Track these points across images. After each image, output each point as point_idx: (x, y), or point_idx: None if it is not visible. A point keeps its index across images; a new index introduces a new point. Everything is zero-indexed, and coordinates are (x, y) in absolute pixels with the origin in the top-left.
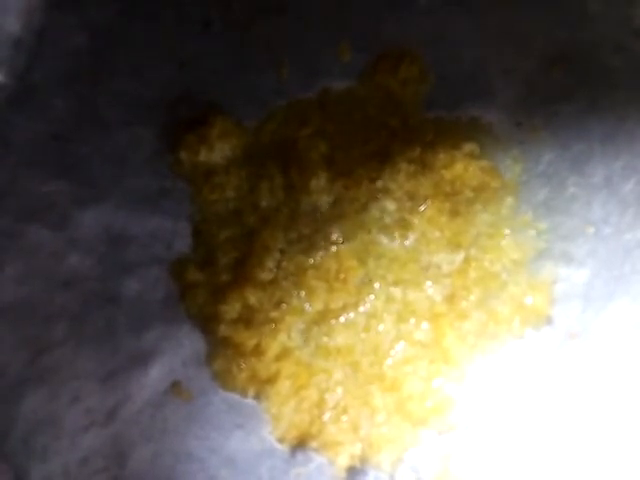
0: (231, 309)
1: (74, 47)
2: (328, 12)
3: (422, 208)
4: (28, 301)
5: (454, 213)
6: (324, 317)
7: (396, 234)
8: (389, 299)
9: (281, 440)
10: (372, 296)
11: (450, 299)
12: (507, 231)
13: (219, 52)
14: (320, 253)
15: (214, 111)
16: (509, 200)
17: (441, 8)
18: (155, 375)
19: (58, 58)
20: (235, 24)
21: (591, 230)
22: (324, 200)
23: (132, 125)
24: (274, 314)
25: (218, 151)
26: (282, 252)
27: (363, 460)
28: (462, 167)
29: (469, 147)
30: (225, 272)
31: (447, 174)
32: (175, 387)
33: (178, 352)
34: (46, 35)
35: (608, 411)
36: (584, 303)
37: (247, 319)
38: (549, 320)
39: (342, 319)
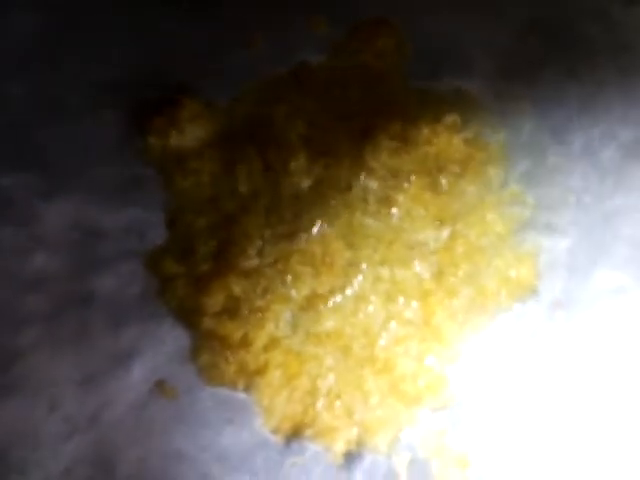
0: (214, 301)
1: (27, 29)
2: None
3: (406, 185)
4: None
5: (438, 188)
6: (312, 303)
7: (381, 213)
8: (377, 280)
9: (275, 432)
10: (359, 277)
11: (438, 276)
12: (490, 204)
13: (186, 29)
14: (304, 237)
15: (183, 92)
16: (493, 172)
17: None
18: (137, 375)
19: (11, 41)
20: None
21: (572, 199)
22: (305, 182)
23: (96, 110)
24: (260, 303)
25: (189, 134)
26: (264, 238)
27: (359, 444)
28: (445, 140)
29: (451, 119)
30: (205, 262)
31: (430, 149)
32: (159, 386)
33: (160, 349)
34: None
35: (598, 377)
36: (568, 272)
37: (232, 310)
38: (535, 291)
39: (330, 303)
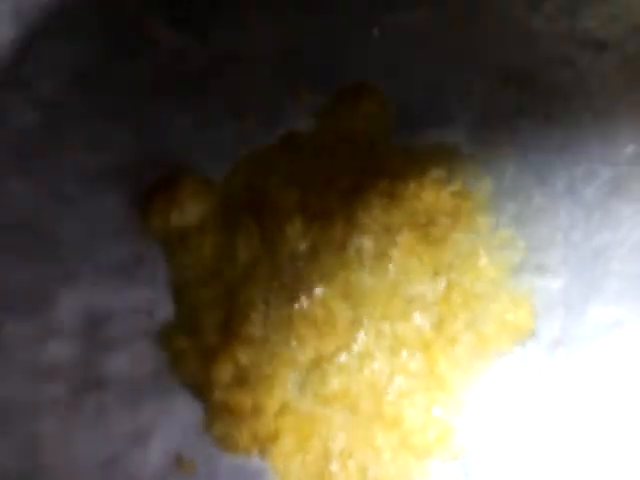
0: (223, 372)
1: (24, 125)
2: (281, 59)
3: (399, 239)
4: (11, 399)
5: (430, 240)
6: (317, 364)
7: (377, 269)
8: (379, 335)
9: None
10: (362, 335)
11: (438, 326)
12: (482, 250)
13: (177, 110)
14: (305, 299)
15: (181, 171)
16: (481, 219)
17: (393, 38)
18: (156, 452)
19: (10, 137)
20: (188, 80)
21: (560, 238)
22: (301, 245)
23: (97, 196)
24: (267, 370)
25: (189, 211)
26: (267, 304)
27: None
28: (432, 194)
29: (436, 173)
30: (212, 334)
31: (419, 203)
32: (178, 460)
33: (176, 423)
34: None
35: (606, 411)
36: (564, 311)
37: (241, 379)
38: (534, 332)
39: (335, 363)
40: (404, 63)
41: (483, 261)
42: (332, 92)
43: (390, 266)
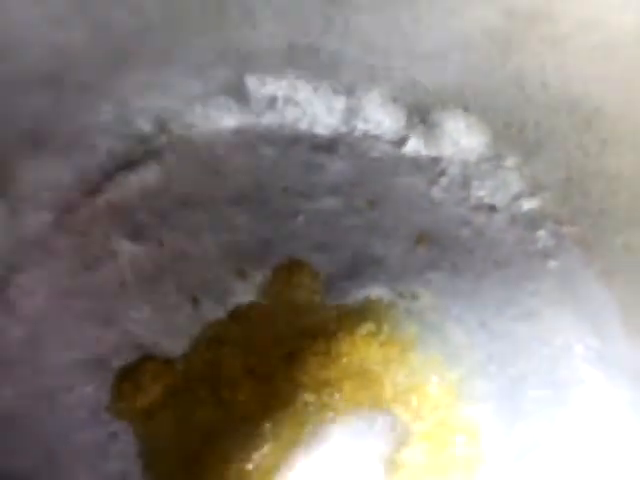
0: None
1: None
2: (225, 250)
3: (337, 394)
4: None
5: (368, 385)
6: None
7: (322, 421)
8: None
9: None
10: None
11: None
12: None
13: (138, 304)
14: (257, 457)
15: (143, 355)
16: (412, 356)
17: (316, 221)
18: None
19: None
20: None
21: (481, 371)
22: (253, 406)
23: (75, 388)
24: None
25: (152, 392)
26: (226, 462)
27: None
28: (364, 347)
29: (366, 327)
30: None
31: (352, 357)
32: None
33: None
34: None
35: None
36: (495, 436)
37: None
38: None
39: None
40: (329, 239)
41: (421, 395)
42: (269, 269)
43: (336, 417)
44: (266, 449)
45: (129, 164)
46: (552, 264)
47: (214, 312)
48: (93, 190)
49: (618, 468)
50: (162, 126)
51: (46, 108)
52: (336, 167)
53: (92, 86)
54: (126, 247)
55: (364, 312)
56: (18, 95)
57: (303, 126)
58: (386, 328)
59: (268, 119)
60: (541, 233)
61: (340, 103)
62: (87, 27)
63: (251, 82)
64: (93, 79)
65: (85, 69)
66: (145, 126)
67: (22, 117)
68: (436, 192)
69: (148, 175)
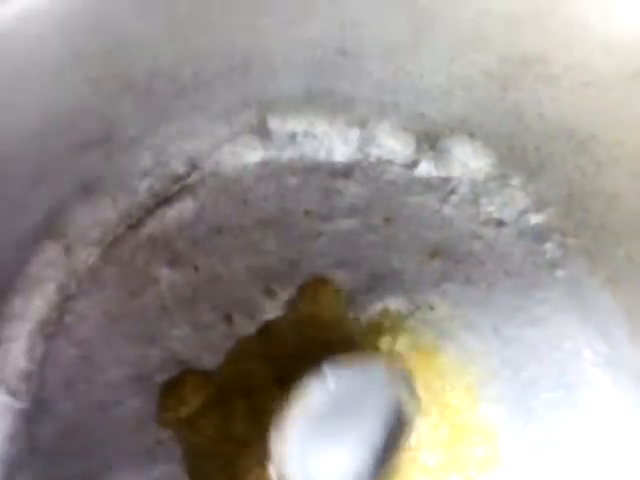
0: None
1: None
2: (254, 273)
3: None
4: None
5: None
6: None
7: None
8: None
9: None
10: None
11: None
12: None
13: (178, 323)
14: None
15: (184, 371)
16: (429, 363)
17: (337, 240)
18: None
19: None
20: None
21: (495, 376)
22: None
23: (125, 401)
24: None
25: (194, 403)
26: (262, 466)
27: None
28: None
29: (386, 339)
30: None
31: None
32: None
33: None
34: None
35: None
36: (510, 436)
37: None
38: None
39: None
40: (349, 257)
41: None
42: (295, 287)
43: None
44: None
45: (166, 200)
46: (559, 273)
47: (246, 328)
48: (135, 225)
49: (625, 465)
50: (194, 165)
51: (97, 162)
52: (353, 190)
53: (134, 140)
54: (165, 273)
55: (384, 323)
56: (73, 154)
57: (321, 155)
58: (405, 338)
59: (289, 152)
60: (548, 245)
61: (354, 134)
62: (130, 98)
63: (273, 122)
64: (135, 135)
65: (129, 129)
66: (179, 167)
67: (76, 170)
68: (447, 209)
69: (183, 209)
